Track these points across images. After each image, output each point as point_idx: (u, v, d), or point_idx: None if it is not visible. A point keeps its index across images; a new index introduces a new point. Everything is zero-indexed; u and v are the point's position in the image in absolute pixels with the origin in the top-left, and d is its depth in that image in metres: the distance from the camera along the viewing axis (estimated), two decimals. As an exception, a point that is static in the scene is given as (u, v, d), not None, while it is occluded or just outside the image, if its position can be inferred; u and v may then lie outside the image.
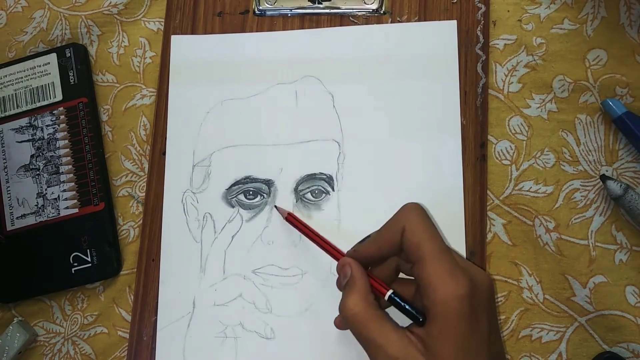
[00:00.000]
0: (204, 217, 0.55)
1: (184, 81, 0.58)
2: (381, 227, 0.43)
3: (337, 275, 0.45)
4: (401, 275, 0.45)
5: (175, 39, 0.59)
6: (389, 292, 0.42)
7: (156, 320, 0.54)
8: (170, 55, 0.59)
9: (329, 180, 0.54)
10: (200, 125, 0.57)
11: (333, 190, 0.54)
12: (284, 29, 0.58)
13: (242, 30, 0.59)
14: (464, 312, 0.37)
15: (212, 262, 0.54)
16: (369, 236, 0.45)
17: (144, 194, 0.57)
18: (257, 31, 0.59)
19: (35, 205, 0.58)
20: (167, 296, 0.54)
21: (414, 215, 0.41)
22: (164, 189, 0.56)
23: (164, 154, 0.57)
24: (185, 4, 0.60)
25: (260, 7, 0.59)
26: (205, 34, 0.59)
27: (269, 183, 0.54)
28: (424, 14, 0.57)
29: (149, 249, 0.55)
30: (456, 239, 0.52)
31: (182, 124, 0.57)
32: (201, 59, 0.58)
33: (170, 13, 0.60)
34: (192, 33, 0.59)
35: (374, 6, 0.57)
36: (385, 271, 0.45)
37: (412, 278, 0.42)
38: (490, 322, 0.39)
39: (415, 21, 0.57)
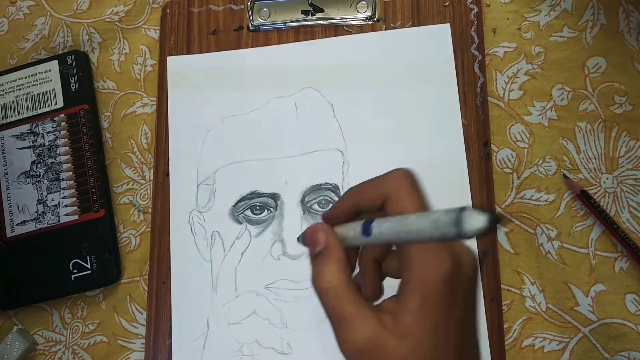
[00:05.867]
0: (212, 236, 0.51)
1: (183, 101, 0.54)
2: (362, 184, 0.36)
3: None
4: None
5: (171, 60, 0.55)
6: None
7: (171, 343, 0.49)
8: (167, 76, 0.54)
9: (335, 189, 0.50)
10: (202, 144, 0.53)
11: None
12: (279, 43, 0.54)
13: (238, 46, 0.55)
14: (441, 292, 0.32)
15: (223, 280, 0.50)
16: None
17: (145, 202, 0.53)
18: (252, 47, 0.54)
19: (36, 211, 0.53)
20: (180, 318, 0.50)
21: (403, 185, 0.34)
22: (170, 210, 0.52)
23: (168, 175, 0.52)
24: (179, 24, 0.55)
25: (254, 23, 0.54)
26: (200, 52, 0.55)
27: (275, 197, 0.50)
28: (417, 19, 0.53)
29: (158, 271, 0.51)
30: (466, 241, 0.46)
31: (184, 144, 0.53)
32: (199, 78, 0.54)
33: (164, 34, 0.56)
34: (188, 53, 0.55)
35: (367, 14, 0.53)
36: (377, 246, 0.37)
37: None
38: (468, 306, 0.34)
39: (409, 26, 0.53)
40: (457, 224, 0.27)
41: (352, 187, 0.36)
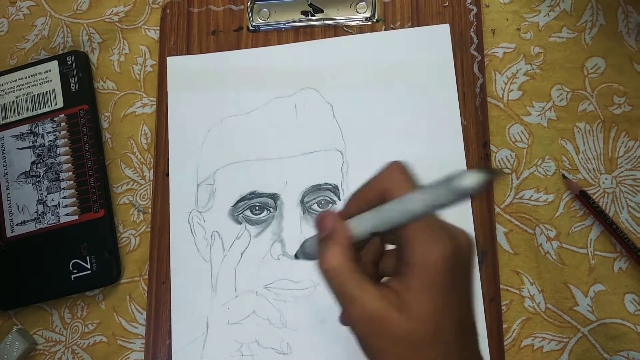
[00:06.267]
0: (211, 236, 0.50)
1: (182, 102, 0.53)
2: (363, 185, 0.38)
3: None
4: None
5: (171, 60, 0.54)
6: None
7: (170, 343, 0.49)
8: (167, 76, 0.54)
9: (335, 190, 0.49)
10: (202, 144, 0.52)
11: (339, 199, 0.50)
12: (279, 44, 0.54)
13: (238, 47, 0.54)
14: (442, 271, 0.34)
15: (223, 280, 0.49)
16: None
17: (145, 202, 0.52)
18: (252, 47, 0.54)
19: (35, 212, 0.53)
20: (180, 318, 0.49)
21: (397, 176, 0.36)
22: (170, 210, 0.51)
23: (167, 175, 0.52)
24: (179, 25, 0.55)
25: (254, 23, 0.54)
26: (200, 53, 0.54)
27: (274, 197, 0.50)
28: (417, 19, 0.53)
29: (158, 271, 0.51)
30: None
31: (184, 145, 0.53)
32: (198, 79, 0.54)
33: (164, 35, 0.55)
34: (188, 53, 0.54)
35: (367, 14, 0.53)
36: (371, 248, 0.40)
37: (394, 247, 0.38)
38: (466, 283, 0.36)
39: (409, 27, 0.53)
40: (455, 185, 0.30)
41: (353, 192, 0.38)
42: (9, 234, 0.53)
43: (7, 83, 0.56)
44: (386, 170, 0.36)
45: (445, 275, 0.34)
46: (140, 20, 0.56)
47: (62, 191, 0.53)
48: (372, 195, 0.36)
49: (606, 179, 0.48)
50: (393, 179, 0.35)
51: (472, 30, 0.51)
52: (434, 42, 0.52)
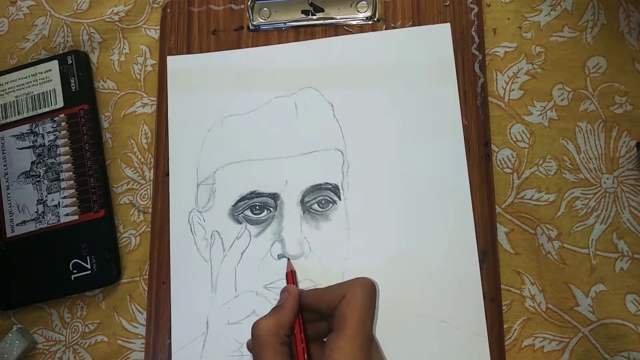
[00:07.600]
0: (211, 236, 0.50)
1: (182, 101, 0.53)
2: (328, 286, 0.42)
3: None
4: None
5: (171, 60, 0.54)
6: None
7: (170, 343, 0.49)
8: (167, 76, 0.54)
9: (335, 189, 0.49)
10: (202, 144, 0.52)
11: (340, 199, 0.49)
12: (279, 43, 0.54)
13: (238, 46, 0.54)
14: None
15: (223, 280, 0.49)
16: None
17: (145, 202, 0.52)
18: (252, 46, 0.54)
19: (36, 212, 0.53)
20: (180, 318, 0.49)
21: (359, 290, 0.39)
22: (170, 210, 0.51)
23: (168, 175, 0.52)
24: (179, 24, 0.55)
25: (255, 23, 0.54)
26: (200, 52, 0.54)
27: (274, 197, 0.50)
28: (418, 19, 0.53)
29: (158, 271, 0.51)
30: (467, 241, 0.47)
31: (184, 144, 0.53)
32: (199, 78, 0.54)
33: (164, 34, 0.55)
34: (188, 52, 0.55)
35: (368, 14, 0.53)
36: (318, 328, 0.43)
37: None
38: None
39: (410, 26, 0.53)
40: None
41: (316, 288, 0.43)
42: (9, 234, 0.53)
43: (7, 83, 0.56)
44: (353, 281, 0.40)
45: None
46: (141, 19, 0.56)
47: (62, 191, 0.53)
48: (332, 297, 0.40)
49: (607, 178, 0.48)
50: (354, 291, 0.39)
51: (473, 29, 0.52)
52: (435, 41, 0.52)
